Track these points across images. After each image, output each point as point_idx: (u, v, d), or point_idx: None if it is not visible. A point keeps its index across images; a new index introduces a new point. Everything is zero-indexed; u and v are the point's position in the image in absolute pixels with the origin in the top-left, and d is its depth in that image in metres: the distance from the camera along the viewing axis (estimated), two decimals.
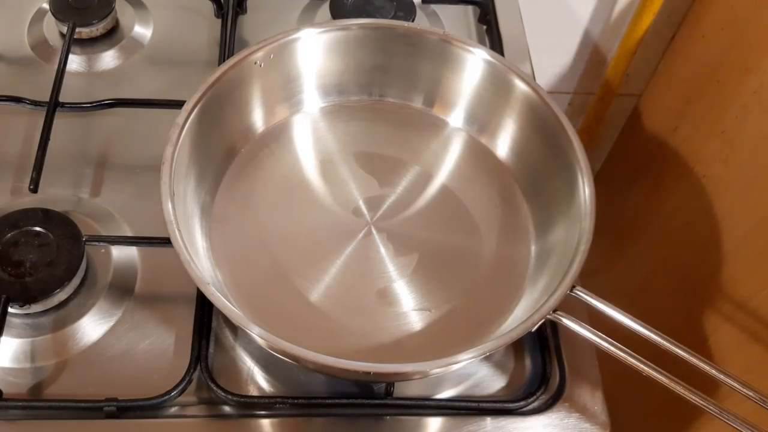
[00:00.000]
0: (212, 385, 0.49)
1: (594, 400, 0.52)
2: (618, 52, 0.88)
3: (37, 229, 0.53)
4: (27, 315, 0.52)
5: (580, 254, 0.48)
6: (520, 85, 0.57)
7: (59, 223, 0.54)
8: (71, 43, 0.64)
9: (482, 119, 0.61)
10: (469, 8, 0.74)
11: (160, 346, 0.52)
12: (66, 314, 0.52)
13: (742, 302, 0.66)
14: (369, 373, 0.46)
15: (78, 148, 0.61)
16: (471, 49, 0.58)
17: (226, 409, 0.50)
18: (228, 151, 0.58)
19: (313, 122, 0.61)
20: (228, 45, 0.66)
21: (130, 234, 0.56)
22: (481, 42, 0.71)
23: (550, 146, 0.55)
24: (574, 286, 0.48)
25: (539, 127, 0.56)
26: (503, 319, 0.53)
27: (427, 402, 0.51)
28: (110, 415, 0.48)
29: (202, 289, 0.45)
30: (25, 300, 0.50)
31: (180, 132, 0.51)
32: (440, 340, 0.51)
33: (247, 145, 0.59)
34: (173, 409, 0.50)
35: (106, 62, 0.67)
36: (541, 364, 0.53)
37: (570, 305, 0.47)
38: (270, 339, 0.43)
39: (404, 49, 0.59)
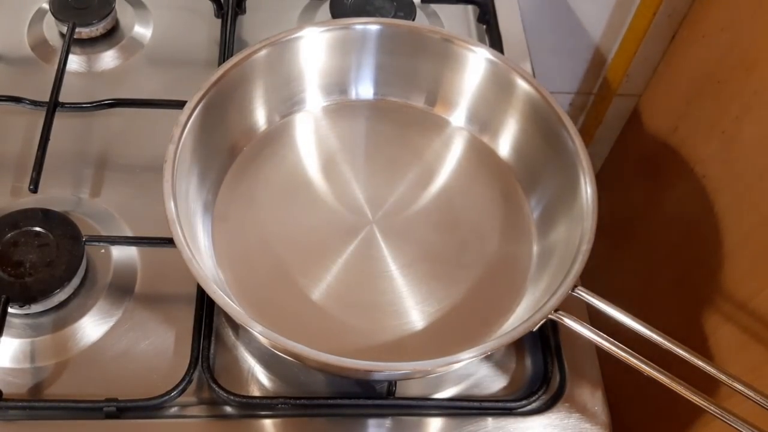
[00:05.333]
0: (213, 385, 0.49)
1: (594, 400, 0.52)
2: (618, 52, 0.88)
3: (37, 229, 0.53)
4: (27, 315, 0.52)
5: (581, 254, 0.48)
6: (523, 85, 0.57)
7: (59, 223, 0.53)
8: (71, 43, 0.64)
9: (484, 118, 0.61)
10: (469, 8, 0.74)
11: (160, 346, 0.52)
12: (66, 314, 0.52)
13: (743, 302, 0.66)
14: (370, 371, 0.46)
15: (78, 148, 0.61)
16: (473, 48, 0.58)
17: (227, 409, 0.50)
18: (230, 150, 0.58)
19: (314, 121, 0.61)
20: (228, 45, 0.66)
21: (130, 234, 0.56)
22: (481, 42, 0.71)
23: (552, 145, 0.55)
24: (575, 286, 0.48)
25: (541, 126, 0.56)
26: (505, 318, 0.52)
27: (428, 402, 0.51)
28: (110, 416, 0.48)
29: (205, 287, 0.45)
30: (25, 300, 0.50)
31: (182, 130, 0.51)
32: (442, 339, 0.51)
33: (249, 143, 0.59)
34: (173, 410, 0.50)
35: (106, 62, 0.67)
36: (542, 363, 0.53)
37: (570, 305, 0.47)
38: (272, 337, 0.43)
39: (406, 48, 0.60)
